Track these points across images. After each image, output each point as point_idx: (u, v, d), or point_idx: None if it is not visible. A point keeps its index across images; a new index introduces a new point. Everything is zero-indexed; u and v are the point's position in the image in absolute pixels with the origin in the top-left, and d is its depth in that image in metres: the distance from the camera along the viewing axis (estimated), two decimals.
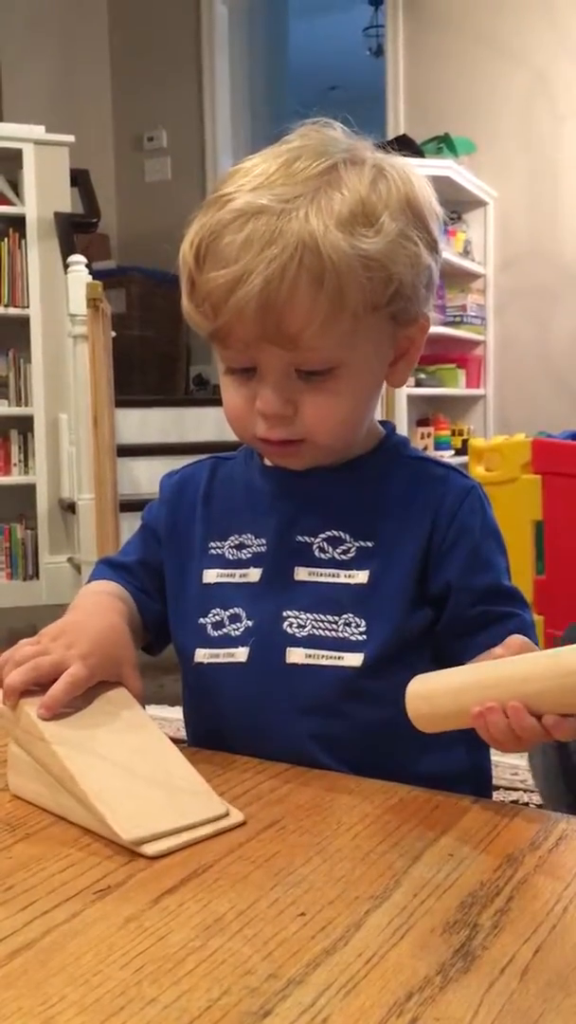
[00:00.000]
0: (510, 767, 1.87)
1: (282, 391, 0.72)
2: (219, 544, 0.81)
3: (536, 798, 1.36)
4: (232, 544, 0.80)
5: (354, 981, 0.44)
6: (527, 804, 1.56)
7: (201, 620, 0.80)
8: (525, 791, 1.79)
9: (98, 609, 0.77)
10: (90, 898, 0.52)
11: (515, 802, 1.29)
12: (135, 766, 0.63)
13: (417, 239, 0.72)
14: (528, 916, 0.50)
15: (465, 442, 4.02)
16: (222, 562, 0.81)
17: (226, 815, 0.61)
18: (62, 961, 0.46)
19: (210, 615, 0.79)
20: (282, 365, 0.72)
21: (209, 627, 0.79)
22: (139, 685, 0.72)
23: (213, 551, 0.81)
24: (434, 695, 0.65)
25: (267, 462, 0.82)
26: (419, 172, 0.76)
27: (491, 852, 0.57)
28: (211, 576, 0.81)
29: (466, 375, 4.48)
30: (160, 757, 0.65)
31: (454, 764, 0.76)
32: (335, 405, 0.73)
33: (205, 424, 4.07)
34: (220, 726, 0.79)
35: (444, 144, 4.24)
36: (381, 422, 0.84)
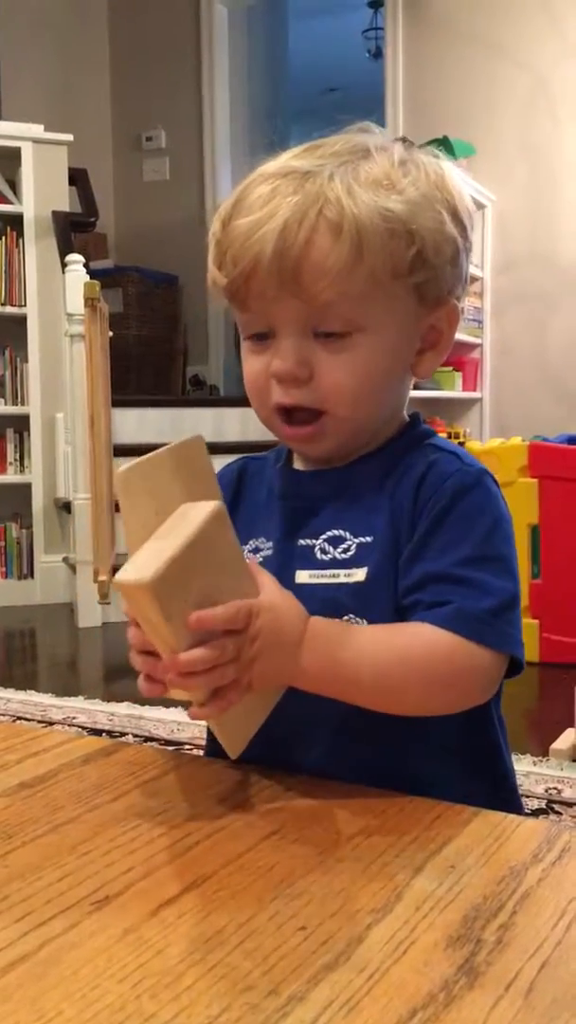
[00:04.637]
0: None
1: (298, 350, 0.72)
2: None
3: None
4: (250, 548, 0.80)
5: (356, 998, 0.43)
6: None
7: None
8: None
9: None
10: (88, 909, 0.52)
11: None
12: None
13: (443, 210, 0.73)
14: (532, 931, 0.49)
15: (461, 445, 4.02)
16: None
17: None
18: (59, 974, 0.45)
19: None
20: (299, 323, 0.71)
21: None
22: None
23: None
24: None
25: (296, 463, 0.80)
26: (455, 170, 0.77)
27: (493, 864, 0.56)
28: None
29: (463, 378, 4.47)
30: None
31: (476, 788, 0.73)
32: (351, 371, 0.72)
33: (202, 425, 4.06)
34: None
35: (443, 147, 4.20)
36: (411, 415, 0.82)
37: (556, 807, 1.71)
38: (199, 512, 0.61)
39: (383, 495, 0.75)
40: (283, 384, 0.73)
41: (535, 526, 2.79)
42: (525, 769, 1.86)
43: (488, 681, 0.70)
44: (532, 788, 1.78)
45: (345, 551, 0.75)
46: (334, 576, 0.74)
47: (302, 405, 0.73)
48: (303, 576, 0.75)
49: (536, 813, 1.68)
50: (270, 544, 0.78)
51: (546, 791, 1.78)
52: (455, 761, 0.75)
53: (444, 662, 0.67)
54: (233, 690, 0.62)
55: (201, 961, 0.46)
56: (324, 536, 0.76)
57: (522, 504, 2.75)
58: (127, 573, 0.58)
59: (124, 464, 0.63)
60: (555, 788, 1.79)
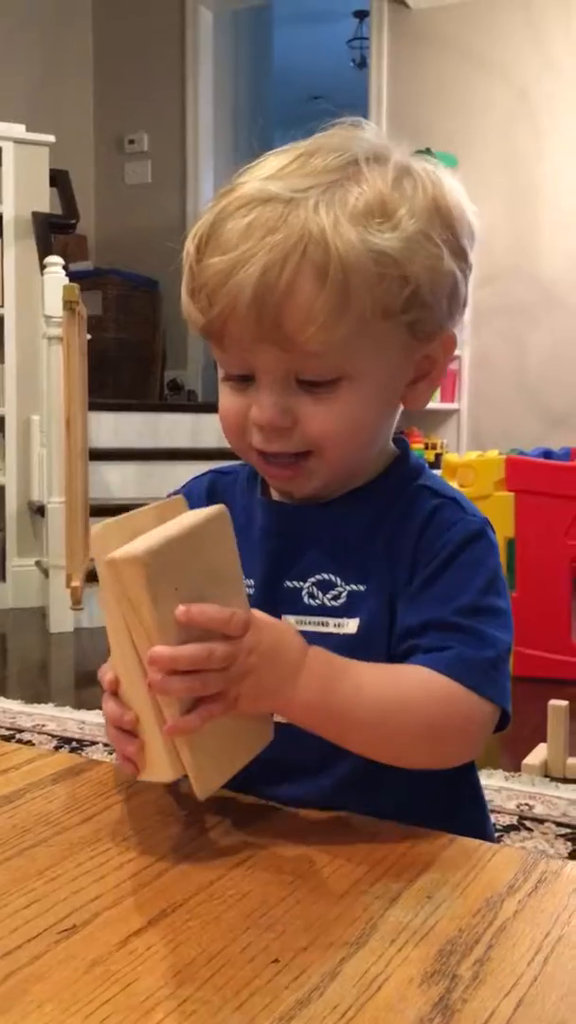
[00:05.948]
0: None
1: (280, 400, 0.66)
2: None
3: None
4: None
5: None
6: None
7: None
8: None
9: None
10: (54, 938, 0.50)
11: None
12: None
13: (440, 242, 0.67)
14: (508, 967, 0.48)
15: (439, 456, 4.02)
16: None
17: None
18: (24, 1009, 0.44)
19: None
20: (281, 372, 0.66)
21: None
22: None
23: None
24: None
25: (274, 493, 0.76)
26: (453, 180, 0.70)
27: (469, 895, 0.55)
28: None
29: (441, 388, 4.48)
30: None
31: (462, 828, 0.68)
32: (339, 419, 0.67)
33: (179, 430, 4.05)
34: None
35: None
36: (395, 440, 0.77)
37: (527, 823, 1.71)
38: (201, 512, 0.61)
39: (377, 540, 0.71)
40: (263, 432, 0.68)
41: (511, 540, 2.80)
42: (497, 784, 1.85)
43: (484, 734, 0.67)
44: (503, 804, 1.78)
45: (335, 598, 0.71)
46: (323, 624, 0.70)
47: (286, 452, 0.69)
48: (288, 620, 0.70)
49: (507, 829, 1.68)
50: (251, 582, 0.71)
51: (517, 807, 1.77)
52: (437, 807, 0.71)
53: (443, 708, 0.64)
54: (217, 703, 0.57)
55: (171, 996, 0.45)
56: (312, 579, 0.72)
57: (498, 517, 2.75)
58: (119, 551, 0.56)
59: (100, 522, 0.60)
60: (527, 804, 1.79)
